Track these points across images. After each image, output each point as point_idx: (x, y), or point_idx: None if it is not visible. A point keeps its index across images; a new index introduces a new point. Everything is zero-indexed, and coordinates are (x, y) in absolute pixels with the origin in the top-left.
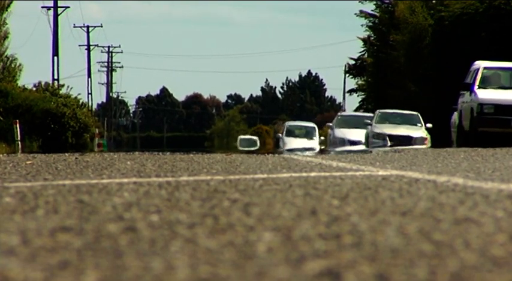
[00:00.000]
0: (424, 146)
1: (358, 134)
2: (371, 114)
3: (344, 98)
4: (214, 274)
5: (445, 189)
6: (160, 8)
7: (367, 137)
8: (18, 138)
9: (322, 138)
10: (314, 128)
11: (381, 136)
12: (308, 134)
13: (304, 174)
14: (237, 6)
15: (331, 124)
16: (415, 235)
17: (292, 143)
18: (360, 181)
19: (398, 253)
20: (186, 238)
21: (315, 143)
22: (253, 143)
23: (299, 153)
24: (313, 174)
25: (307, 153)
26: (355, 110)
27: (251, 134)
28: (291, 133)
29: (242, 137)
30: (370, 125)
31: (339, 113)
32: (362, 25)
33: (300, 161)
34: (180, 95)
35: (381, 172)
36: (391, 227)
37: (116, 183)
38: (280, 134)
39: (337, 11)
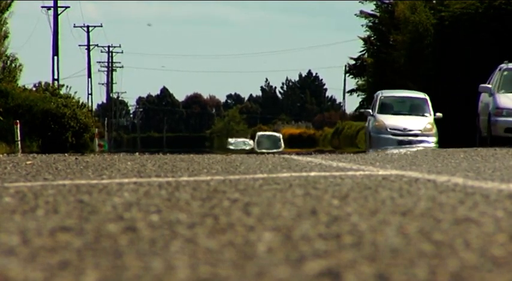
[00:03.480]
0: None
1: None
2: None
3: (344, 98)
4: (214, 274)
5: (445, 189)
6: (161, 8)
7: None
8: (19, 139)
9: (439, 114)
10: (425, 99)
11: None
12: (416, 108)
13: (304, 174)
14: (237, 6)
15: (488, 86)
16: (415, 235)
17: (390, 122)
18: (360, 180)
19: (398, 253)
20: (186, 238)
21: (427, 123)
22: (276, 142)
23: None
24: (313, 174)
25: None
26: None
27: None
28: (387, 108)
29: (262, 133)
30: None
31: (503, 65)
32: (362, 25)
33: (300, 161)
34: (180, 95)
35: (381, 172)
36: (391, 227)
37: (116, 183)
38: (369, 111)
39: (337, 11)
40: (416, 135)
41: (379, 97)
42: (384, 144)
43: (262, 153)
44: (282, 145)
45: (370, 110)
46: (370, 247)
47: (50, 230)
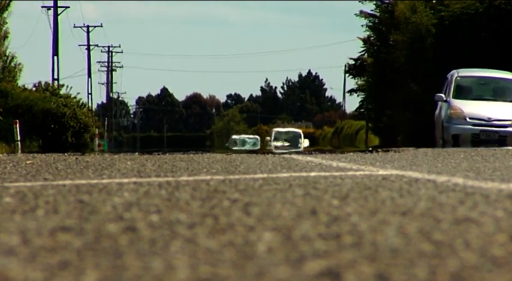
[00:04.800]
0: None
1: None
2: None
3: (344, 98)
4: (214, 274)
5: (445, 189)
6: (160, 8)
7: None
8: (18, 139)
9: None
10: None
11: None
12: (503, 92)
13: (304, 174)
14: (237, 6)
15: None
16: (415, 235)
17: (470, 110)
18: (360, 180)
19: (398, 253)
20: (186, 238)
21: None
22: (297, 139)
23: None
24: (313, 174)
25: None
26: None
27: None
28: (465, 92)
29: (279, 130)
30: None
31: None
32: (362, 25)
33: (300, 161)
34: (180, 95)
35: (381, 172)
36: (391, 227)
37: (116, 183)
38: (442, 95)
39: (337, 11)
40: (504, 126)
41: (454, 78)
42: (462, 136)
43: (263, 153)
44: (304, 142)
45: (443, 95)
46: (370, 247)
47: (50, 230)
